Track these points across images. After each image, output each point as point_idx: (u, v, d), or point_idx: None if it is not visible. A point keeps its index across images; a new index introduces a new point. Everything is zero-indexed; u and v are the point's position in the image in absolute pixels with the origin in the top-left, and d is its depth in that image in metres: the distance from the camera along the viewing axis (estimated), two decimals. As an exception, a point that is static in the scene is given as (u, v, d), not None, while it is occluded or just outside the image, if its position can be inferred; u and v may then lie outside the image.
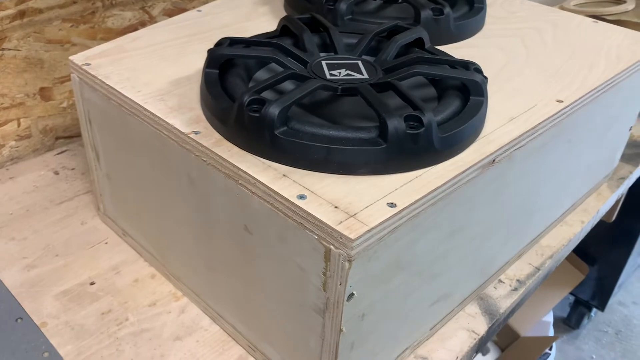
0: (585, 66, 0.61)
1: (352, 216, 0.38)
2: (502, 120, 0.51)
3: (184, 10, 0.85)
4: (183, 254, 0.55)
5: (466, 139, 0.46)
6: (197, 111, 0.49)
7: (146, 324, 0.55)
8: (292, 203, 0.40)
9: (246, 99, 0.43)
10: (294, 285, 0.43)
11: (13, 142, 0.75)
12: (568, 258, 1.52)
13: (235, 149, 0.45)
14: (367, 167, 0.42)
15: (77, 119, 0.81)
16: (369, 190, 0.41)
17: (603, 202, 0.77)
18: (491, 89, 0.55)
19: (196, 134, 0.46)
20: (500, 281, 0.63)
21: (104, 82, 0.53)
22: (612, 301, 1.70)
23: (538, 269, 0.65)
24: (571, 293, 1.58)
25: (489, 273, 0.60)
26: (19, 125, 0.75)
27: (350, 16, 0.64)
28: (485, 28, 0.70)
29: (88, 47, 0.77)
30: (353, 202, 0.40)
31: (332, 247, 0.38)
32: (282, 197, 0.40)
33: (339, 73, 0.50)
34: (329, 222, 0.38)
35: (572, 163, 0.64)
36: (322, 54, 0.54)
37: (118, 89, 0.52)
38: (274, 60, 0.50)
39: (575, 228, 0.72)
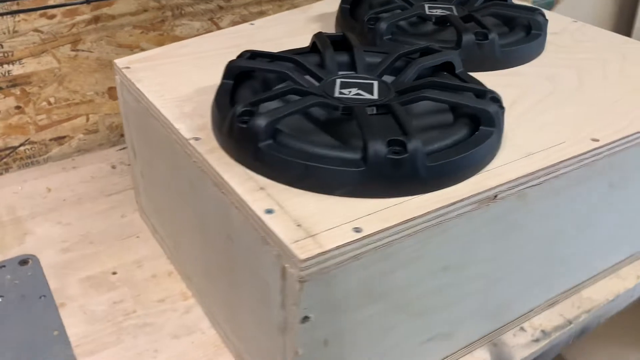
0: (642, 104, 0.55)
1: (311, 236, 0.38)
2: (517, 154, 0.47)
3: (251, 23, 0.89)
4: (190, 255, 0.57)
5: (463, 170, 0.43)
6: (207, 119, 0.51)
7: (150, 318, 0.58)
8: (258, 217, 0.39)
9: (239, 109, 0.44)
10: (263, 300, 0.43)
11: (81, 135, 0.82)
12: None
13: (227, 158, 0.45)
14: (344, 189, 0.41)
15: (141, 119, 0.86)
16: (341, 211, 0.40)
17: (670, 259, 0.68)
18: (520, 120, 0.51)
19: (196, 140, 0.48)
20: (522, 329, 0.58)
21: (134, 85, 0.56)
22: None
23: (570, 322, 0.59)
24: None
25: (506, 318, 0.56)
26: (87, 120, 0.82)
27: (389, 36, 0.63)
28: (543, 56, 0.65)
29: (155, 53, 0.82)
30: (319, 222, 0.39)
31: (287, 265, 0.37)
32: (251, 209, 0.40)
33: (349, 92, 0.49)
34: (284, 240, 0.37)
35: (621, 210, 0.58)
36: (342, 73, 0.53)
37: (144, 92, 0.55)
38: (284, 75, 0.50)
39: (628, 283, 0.64)
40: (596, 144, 0.49)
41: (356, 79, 0.52)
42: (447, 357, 0.53)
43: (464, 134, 0.45)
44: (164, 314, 0.58)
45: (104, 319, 0.57)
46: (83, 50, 0.77)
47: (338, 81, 0.51)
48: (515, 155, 0.47)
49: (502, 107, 0.47)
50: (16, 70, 0.74)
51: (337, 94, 0.49)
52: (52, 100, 0.78)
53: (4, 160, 0.78)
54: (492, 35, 0.60)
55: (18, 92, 0.75)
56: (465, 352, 0.54)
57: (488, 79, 0.56)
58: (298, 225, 0.38)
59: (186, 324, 0.57)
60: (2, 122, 0.76)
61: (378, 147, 0.40)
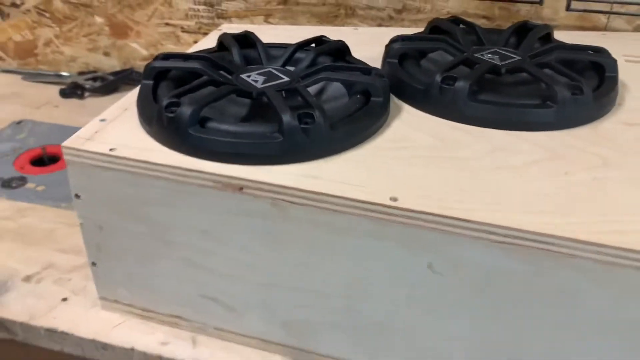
0: None
1: (89, 139, 0.52)
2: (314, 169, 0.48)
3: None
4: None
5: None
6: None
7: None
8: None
9: (165, 101, 0.50)
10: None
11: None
12: None
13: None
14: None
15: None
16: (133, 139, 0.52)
17: None
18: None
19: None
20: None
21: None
22: None
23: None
24: None
25: (306, 343, 0.55)
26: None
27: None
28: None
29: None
30: (113, 138, 0.52)
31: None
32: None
33: (258, 81, 0.57)
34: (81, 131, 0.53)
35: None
36: (250, 66, 0.61)
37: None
38: (199, 71, 0.57)
39: None
40: (389, 202, 0.44)
41: (263, 69, 0.60)
42: (228, 331, 0.57)
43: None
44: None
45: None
46: (271, 23, 1.00)
47: (248, 73, 0.59)
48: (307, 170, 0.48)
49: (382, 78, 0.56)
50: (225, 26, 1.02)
51: (252, 84, 0.57)
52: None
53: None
54: (587, 89, 0.55)
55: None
56: (259, 345, 0.57)
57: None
58: (95, 132, 0.53)
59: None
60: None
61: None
